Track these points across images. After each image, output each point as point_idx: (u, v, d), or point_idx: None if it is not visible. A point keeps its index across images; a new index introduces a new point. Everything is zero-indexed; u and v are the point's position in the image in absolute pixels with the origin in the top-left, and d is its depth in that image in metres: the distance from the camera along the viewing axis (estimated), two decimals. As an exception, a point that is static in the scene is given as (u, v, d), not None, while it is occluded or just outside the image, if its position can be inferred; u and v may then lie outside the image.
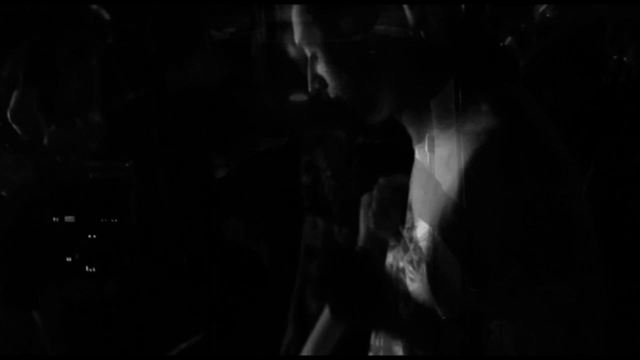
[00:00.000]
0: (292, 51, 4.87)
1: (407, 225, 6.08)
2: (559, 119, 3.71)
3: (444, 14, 4.23)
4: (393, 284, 3.19)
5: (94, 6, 2.47)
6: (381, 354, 3.27)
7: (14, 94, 2.81)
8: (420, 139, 5.47)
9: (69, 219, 3.48)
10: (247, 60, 5.01)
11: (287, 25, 5.33)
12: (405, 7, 4.85)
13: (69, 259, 3.38)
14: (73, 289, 2.57)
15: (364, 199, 3.32)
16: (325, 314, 3.23)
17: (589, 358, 2.00)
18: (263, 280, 3.31)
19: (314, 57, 3.19)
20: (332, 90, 3.12)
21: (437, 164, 5.10)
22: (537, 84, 3.94)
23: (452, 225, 3.17)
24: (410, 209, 3.58)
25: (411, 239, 5.87)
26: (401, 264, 5.53)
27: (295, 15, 3.92)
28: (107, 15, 2.00)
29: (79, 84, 2.71)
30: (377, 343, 3.30)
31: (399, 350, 3.31)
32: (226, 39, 4.94)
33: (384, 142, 3.32)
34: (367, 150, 3.30)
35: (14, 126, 2.99)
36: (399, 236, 5.80)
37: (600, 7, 3.09)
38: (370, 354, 3.33)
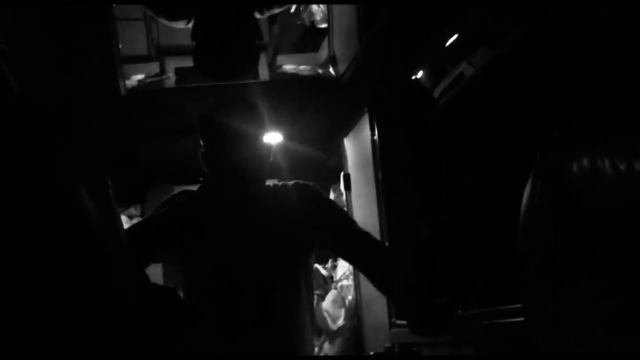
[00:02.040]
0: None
1: (328, 265, 6.07)
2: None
3: (354, 51, 4.27)
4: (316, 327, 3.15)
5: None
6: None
7: None
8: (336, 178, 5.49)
9: None
10: (155, 106, 4.96)
11: (193, 71, 5.32)
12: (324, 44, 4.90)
13: None
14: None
15: None
16: None
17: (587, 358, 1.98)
18: (188, 320, 3.26)
19: None
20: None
21: (354, 201, 5.11)
22: (454, 113, 3.97)
23: (374, 260, 3.15)
24: (330, 249, 3.55)
25: (332, 278, 5.87)
26: (323, 306, 5.53)
27: None
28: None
29: None
30: None
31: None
32: (134, 85, 4.89)
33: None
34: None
35: None
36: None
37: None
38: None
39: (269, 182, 3.15)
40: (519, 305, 2.14)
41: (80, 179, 1.57)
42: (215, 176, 3.04)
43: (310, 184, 3.20)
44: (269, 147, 3.07)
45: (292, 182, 3.19)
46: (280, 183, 3.19)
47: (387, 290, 3.17)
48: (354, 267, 4.65)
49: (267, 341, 2.96)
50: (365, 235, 3.16)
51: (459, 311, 2.98)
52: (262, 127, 3.06)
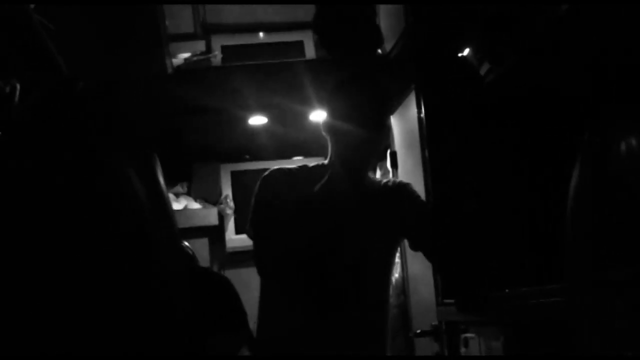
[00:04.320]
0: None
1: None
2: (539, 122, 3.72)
3: (401, 28, 4.24)
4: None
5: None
6: None
7: None
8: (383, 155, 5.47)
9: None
10: (202, 85, 4.97)
11: (240, 49, 5.31)
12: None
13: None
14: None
15: None
16: None
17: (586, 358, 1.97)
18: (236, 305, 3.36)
19: None
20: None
21: (401, 179, 5.08)
22: (502, 90, 3.93)
23: (425, 237, 3.21)
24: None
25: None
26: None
27: None
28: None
29: None
30: None
31: None
32: (180, 64, 4.90)
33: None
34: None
35: None
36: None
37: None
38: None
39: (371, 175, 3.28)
40: (565, 284, 2.12)
41: (129, 158, 1.58)
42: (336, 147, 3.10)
43: (410, 184, 3.38)
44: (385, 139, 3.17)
45: (392, 180, 3.41)
46: (381, 179, 3.30)
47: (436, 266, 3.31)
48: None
49: (357, 319, 3.14)
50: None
51: (506, 290, 2.98)
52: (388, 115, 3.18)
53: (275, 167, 3.26)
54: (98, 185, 1.50)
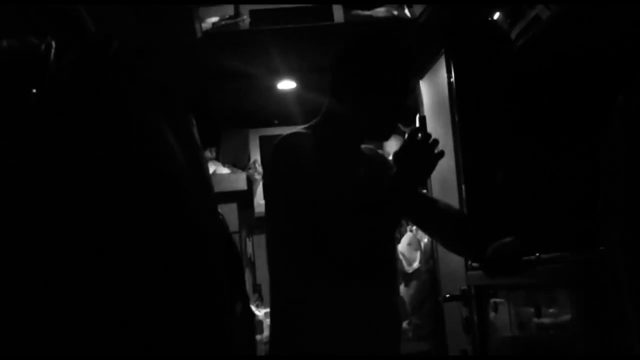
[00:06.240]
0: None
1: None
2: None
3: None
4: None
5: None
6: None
7: None
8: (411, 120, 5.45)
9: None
10: (230, 49, 4.96)
11: (268, 13, 5.30)
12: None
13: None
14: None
15: None
16: None
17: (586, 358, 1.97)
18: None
19: None
20: None
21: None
22: (532, 55, 3.91)
23: (450, 202, 3.21)
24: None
25: (408, 222, 5.85)
26: (399, 248, 5.52)
27: None
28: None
29: None
30: None
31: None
32: (209, 28, 4.89)
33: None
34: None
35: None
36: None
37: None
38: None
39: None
40: (597, 248, 2.11)
41: (166, 118, 1.58)
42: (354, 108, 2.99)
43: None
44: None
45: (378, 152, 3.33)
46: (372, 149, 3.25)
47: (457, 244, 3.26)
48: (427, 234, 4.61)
49: (383, 285, 3.03)
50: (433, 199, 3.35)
51: (537, 254, 2.96)
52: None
53: (288, 132, 3.05)
54: (136, 144, 1.50)
